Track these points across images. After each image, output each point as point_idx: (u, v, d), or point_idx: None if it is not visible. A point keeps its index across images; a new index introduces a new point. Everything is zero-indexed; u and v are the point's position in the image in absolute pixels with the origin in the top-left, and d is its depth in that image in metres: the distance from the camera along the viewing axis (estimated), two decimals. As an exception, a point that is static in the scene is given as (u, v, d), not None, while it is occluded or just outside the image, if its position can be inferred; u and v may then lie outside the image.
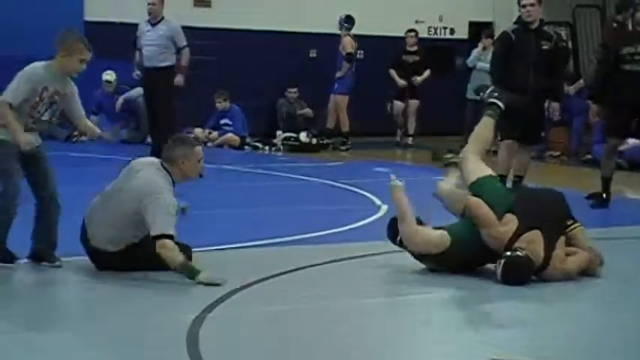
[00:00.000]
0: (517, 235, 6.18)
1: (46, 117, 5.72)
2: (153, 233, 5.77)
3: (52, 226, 6.04)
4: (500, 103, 7.41)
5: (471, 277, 6.63)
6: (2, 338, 4.91)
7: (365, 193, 10.13)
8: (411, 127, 15.25)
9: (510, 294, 6.30)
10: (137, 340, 5.04)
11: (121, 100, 14.34)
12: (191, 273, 5.90)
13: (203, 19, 15.42)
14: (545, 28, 10.63)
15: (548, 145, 14.21)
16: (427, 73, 14.78)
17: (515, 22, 10.40)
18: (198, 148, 6.35)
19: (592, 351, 5.43)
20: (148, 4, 11.24)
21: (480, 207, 6.35)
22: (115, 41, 13.45)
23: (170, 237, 5.86)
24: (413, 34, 15.50)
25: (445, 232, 6.45)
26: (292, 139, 13.94)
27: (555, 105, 10.32)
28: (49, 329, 5.32)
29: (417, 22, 16.66)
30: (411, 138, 15.27)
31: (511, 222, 6.24)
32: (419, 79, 14.81)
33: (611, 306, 6.32)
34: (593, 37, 16.63)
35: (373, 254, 7.20)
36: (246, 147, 14.22)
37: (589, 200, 10.05)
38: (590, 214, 9.44)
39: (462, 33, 18.01)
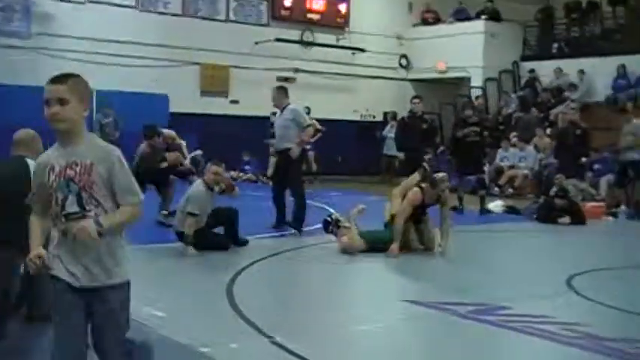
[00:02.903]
0: None
1: (70, 207, 3.10)
2: None
3: None
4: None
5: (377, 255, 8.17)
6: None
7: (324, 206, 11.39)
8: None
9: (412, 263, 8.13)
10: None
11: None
12: (187, 239, 7.83)
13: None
14: (426, 116, 12.92)
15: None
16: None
17: (409, 112, 12.75)
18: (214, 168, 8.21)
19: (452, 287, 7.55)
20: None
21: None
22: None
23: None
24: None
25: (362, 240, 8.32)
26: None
27: (429, 156, 12.01)
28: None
29: (354, 111, 20.91)
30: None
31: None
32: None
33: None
34: (450, 122, 18.82)
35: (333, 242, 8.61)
36: (258, 182, 16.97)
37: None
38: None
39: (379, 117, 21.26)
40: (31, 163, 4.46)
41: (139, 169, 9.09)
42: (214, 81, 19.34)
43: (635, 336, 5.21)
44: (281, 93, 9.85)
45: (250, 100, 18.54)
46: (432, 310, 5.81)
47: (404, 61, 22.46)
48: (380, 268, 7.93)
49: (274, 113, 12.21)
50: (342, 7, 21.17)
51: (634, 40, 20.04)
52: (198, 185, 8.32)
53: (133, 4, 18.24)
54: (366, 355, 4.84)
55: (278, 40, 19.74)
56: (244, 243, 8.42)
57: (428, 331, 5.41)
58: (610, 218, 12.91)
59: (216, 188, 8.32)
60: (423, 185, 8.50)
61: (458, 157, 13.10)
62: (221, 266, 7.39)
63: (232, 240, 8.33)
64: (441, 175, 8.65)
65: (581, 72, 19.58)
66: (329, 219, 8.67)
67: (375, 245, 8.33)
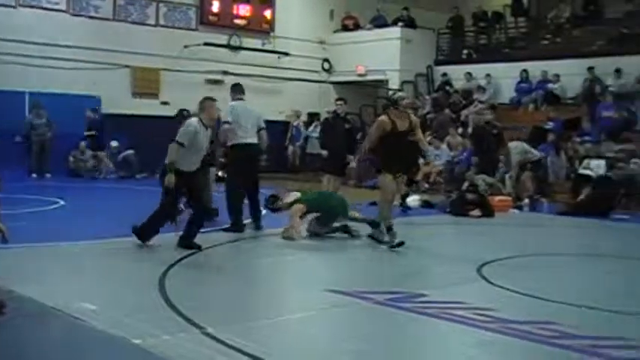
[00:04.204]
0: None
1: None
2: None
3: None
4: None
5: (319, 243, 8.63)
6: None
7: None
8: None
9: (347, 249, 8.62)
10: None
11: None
12: (170, 166, 7.45)
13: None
14: (348, 116, 12.84)
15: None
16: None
17: (332, 112, 12.43)
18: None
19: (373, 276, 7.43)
20: None
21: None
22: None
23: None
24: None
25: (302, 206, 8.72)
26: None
27: (351, 157, 11.80)
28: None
29: (280, 112, 20.57)
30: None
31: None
32: None
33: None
34: (370, 123, 19.02)
35: (271, 235, 8.93)
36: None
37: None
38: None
39: (304, 118, 21.33)
40: None
41: None
42: (145, 83, 19.11)
43: (539, 318, 5.32)
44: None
45: (180, 101, 17.87)
46: (354, 299, 5.83)
47: (326, 65, 22.62)
48: (306, 259, 7.96)
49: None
50: (268, 13, 21.21)
51: (535, 48, 20.71)
52: (192, 121, 7.84)
53: (64, 7, 17.84)
54: (294, 342, 4.83)
55: (206, 44, 19.69)
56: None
57: (350, 319, 5.42)
58: (516, 211, 13.20)
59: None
60: (388, 111, 8.34)
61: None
62: (154, 259, 7.27)
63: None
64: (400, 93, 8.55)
65: (489, 76, 20.09)
66: (270, 196, 8.83)
67: (321, 208, 8.56)
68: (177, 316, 5.13)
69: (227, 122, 9.26)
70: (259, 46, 20.87)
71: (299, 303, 5.87)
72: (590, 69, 18.18)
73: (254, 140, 9.35)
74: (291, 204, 8.82)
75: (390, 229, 8.19)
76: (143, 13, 19.21)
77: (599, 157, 14.88)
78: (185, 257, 7.39)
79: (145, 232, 7.77)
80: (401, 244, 7.96)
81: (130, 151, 18.15)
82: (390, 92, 9.01)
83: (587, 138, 16.00)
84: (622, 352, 4.58)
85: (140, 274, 6.65)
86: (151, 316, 5.12)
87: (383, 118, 8.16)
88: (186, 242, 7.77)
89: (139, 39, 18.67)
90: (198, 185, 7.99)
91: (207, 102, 7.85)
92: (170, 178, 7.52)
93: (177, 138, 7.60)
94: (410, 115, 8.27)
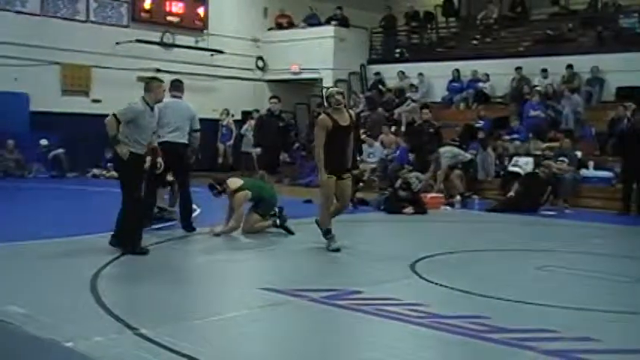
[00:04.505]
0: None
1: None
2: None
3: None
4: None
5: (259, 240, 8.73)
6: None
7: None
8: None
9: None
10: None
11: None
12: (113, 141, 7.30)
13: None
14: (282, 114, 12.83)
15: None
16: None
17: (267, 110, 12.69)
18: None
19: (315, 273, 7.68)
20: None
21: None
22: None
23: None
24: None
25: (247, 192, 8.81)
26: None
27: (285, 154, 12.51)
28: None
29: (213, 110, 20.19)
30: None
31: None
32: None
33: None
34: (304, 121, 21.03)
35: (204, 234, 8.99)
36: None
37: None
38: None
39: (238, 116, 21.07)
40: None
41: None
42: (75, 80, 18.79)
43: (470, 312, 5.41)
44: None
45: (112, 99, 17.82)
46: (289, 297, 5.83)
47: (260, 63, 22.57)
48: (240, 258, 7.92)
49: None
50: (201, 11, 21.04)
51: (465, 48, 21.14)
52: (137, 100, 7.65)
53: (-11, 3, 17.32)
54: (228, 341, 4.79)
55: (139, 40, 19.37)
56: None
57: (285, 317, 5.41)
58: (448, 208, 13.43)
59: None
60: (325, 110, 8.23)
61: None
62: (85, 261, 7.12)
63: None
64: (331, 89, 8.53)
65: (421, 75, 20.36)
66: (211, 184, 8.80)
67: (262, 196, 8.70)
68: (109, 317, 5.05)
69: None
70: (193, 44, 20.66)
71: (233, 302, 5.82)
72: (518, 69, 18.63)
73: (178, 139, 9.07)
74: (237, 190, 8.74)
75: (328, 232, 8.08)
76: (73, 9, 18.82)
77: (528, 154, 15.24)
78: (117, 258, 7.28)
79: (127, 241, 7.55)
80: (337, 250, 7.88)
81: (61, 150, 17.77)
82: (323, 90, 8.92)
83: (515, 136, 16.35)
84: (549, 344, 4.70)
85: (71, 276, 6.50)
86: (83, 317, 5.02)
87: (322, 116, 8.08)
88: (119, 240, 7.62)
89: (69, 35, 18.27)
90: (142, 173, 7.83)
91: (154, 82, 7.73)
92: (122, 149, 7.34)
93: (116, 112, 7.45)
94: (348, 110, 8.20)
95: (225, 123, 20.72)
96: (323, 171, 7.87)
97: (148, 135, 7.70)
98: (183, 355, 4.28)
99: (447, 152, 14.66)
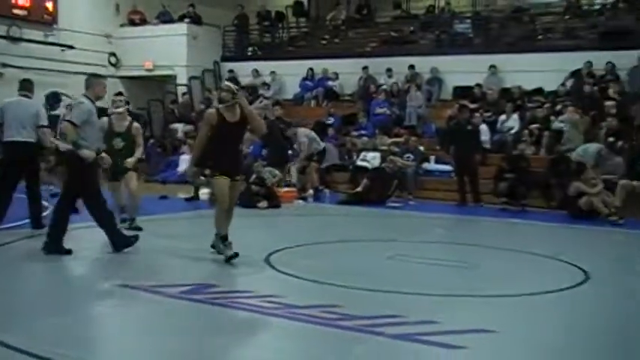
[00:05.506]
0: None
1: None
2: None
3: None
4: None
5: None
6: None
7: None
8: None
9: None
10: None
11: None
12: (75, 146, 7.04)
13: None
14: (136, 111, 14.17)
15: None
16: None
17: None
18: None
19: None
20: None
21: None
22: None
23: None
24: None
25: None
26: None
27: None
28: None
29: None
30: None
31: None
32: None
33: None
34: (159, 118, 20.62)
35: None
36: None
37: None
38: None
39: None
40: None
41: None
42: None
43: (323, 302, 5.53)
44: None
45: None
46: (146, 294, 5.70)
47: (113, 59, 21.83)
48: (92, 256, 7.62)
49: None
50: (49, 5, 20.04)
51: (315, 47, 21.52)
52: (82, 99, 7.33)
53: None
54: (84, 340, 4.61)
55: (-17, 34, 18.19)
56: None
57: (144, 314, 5.29)
58: (301, 202, 13.63)
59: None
60: (217, 107, 7.67)
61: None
62: None
63: None
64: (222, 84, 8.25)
65: (273, 73, 20.50)
66: None
67: None
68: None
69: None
70: (41, 38, 19.51)
71: (90, 300, 5.64)
72: (365, 68, 19.22)
73: (24, 138, 8.68)
74: None
75: (225, 238, 7.36)
76: None
77: (375, 149, 15.72)
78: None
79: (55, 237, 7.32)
80: (235, 255, 7.12)
81: None
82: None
83: (363, 132, 16.85)
84: (396, 328, 4.89)
85: None
86: None
87: (209, 111, 7.58)
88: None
89: None
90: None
91: (94, 79, 7.54)
92: (85, 152, 7.07)
93: (69, 118, 7.21)
94: (240, 106, 7.39)
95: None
96: (192, 164, 7.64)
97: (97, 132, 7.68)
98: (37, 357, 4.11)
99: (308, 133, 14.75)
